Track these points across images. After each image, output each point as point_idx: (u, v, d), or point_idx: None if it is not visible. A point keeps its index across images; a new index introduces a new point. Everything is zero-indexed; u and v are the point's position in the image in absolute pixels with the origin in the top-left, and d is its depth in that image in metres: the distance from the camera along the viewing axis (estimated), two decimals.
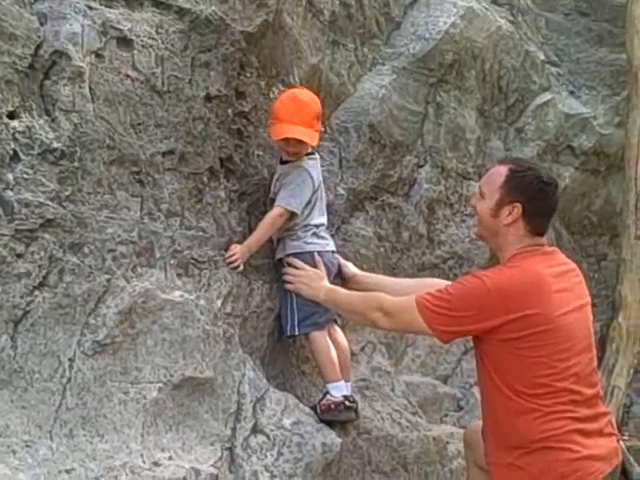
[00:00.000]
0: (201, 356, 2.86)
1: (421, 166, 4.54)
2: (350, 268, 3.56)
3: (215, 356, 2.92)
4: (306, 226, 3.39)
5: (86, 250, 2.67)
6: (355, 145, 4.13)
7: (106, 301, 2.68)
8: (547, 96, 5.40)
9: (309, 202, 3.38)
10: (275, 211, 3.31)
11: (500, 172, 2.90)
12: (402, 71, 4.47)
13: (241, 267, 3.19)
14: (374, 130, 4.21)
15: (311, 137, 3.29)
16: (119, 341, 2.68)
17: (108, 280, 2.69)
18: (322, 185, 3.51)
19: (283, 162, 3.43)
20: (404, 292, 3.13)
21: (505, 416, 2.73)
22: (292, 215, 3.34)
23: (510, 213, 2.84)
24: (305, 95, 3.38)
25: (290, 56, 3.70)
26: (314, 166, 3.43)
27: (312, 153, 3.47)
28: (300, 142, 3.28)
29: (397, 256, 4.36)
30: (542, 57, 5.47)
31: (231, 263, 3.16)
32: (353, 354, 3.86)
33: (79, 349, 2.60)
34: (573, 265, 2.96)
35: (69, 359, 2.58)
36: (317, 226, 3.43)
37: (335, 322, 3.43)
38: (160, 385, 2.74)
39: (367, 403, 3.67)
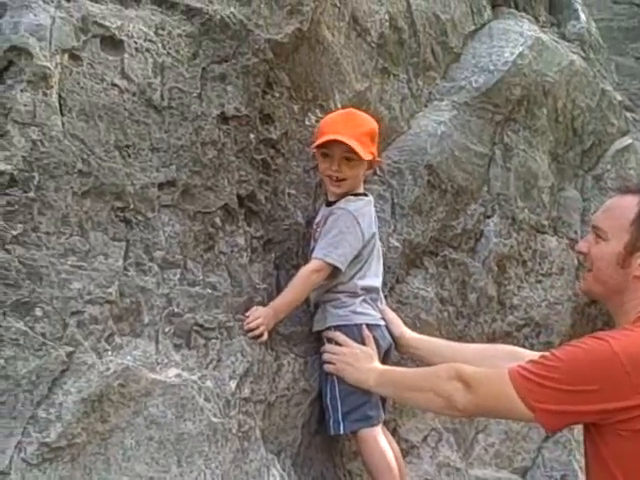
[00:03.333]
0: (204, 461, 1.91)
1: (489, 216, 3.67)
2: (398, 326, 2.65)
3: (225, 460, 1.97)
4: (354, 290, 2.49)
5: (38, 312, 1.78)
6: (410, 189, 3.25)
7: (65, 384, 1.76)
8: (627, 140, 4.60)
9: (358, 256, 2.50)
10: (311, 265, 2.44)
11: (628, 204, 2.03)
12: (463, 107, 3.64)
13: (265, 336, 2.29)
14: (433, 172, 3.34)
15: (362, 150, 2.46)
16: (81, 442, 1.74)
17: (69, 354, 1.79)
18: (377, 237, 2.62)
19: (329, 204, 2.58)
20: (473, 361, 2.28)
21: None
22: (335, 272, 2.44)
23: None
24: (358, 111, 2.62)
25: (330, 78, 2.88)
26: (364, 209, 2.56)
27: (364, 194, 2.61)
28: (350, 157, 2.45)
29: (463, 322, 3.43)
30: (619, 98, 4.60)
31: (251, 331, 2.26)
32: (414, 446, 2.90)
33: (18, 456, 1.68)
34: None
35: (1, 472, 1.65)
36: (369, 290, 2.53)
37: None
38: None
39: None
